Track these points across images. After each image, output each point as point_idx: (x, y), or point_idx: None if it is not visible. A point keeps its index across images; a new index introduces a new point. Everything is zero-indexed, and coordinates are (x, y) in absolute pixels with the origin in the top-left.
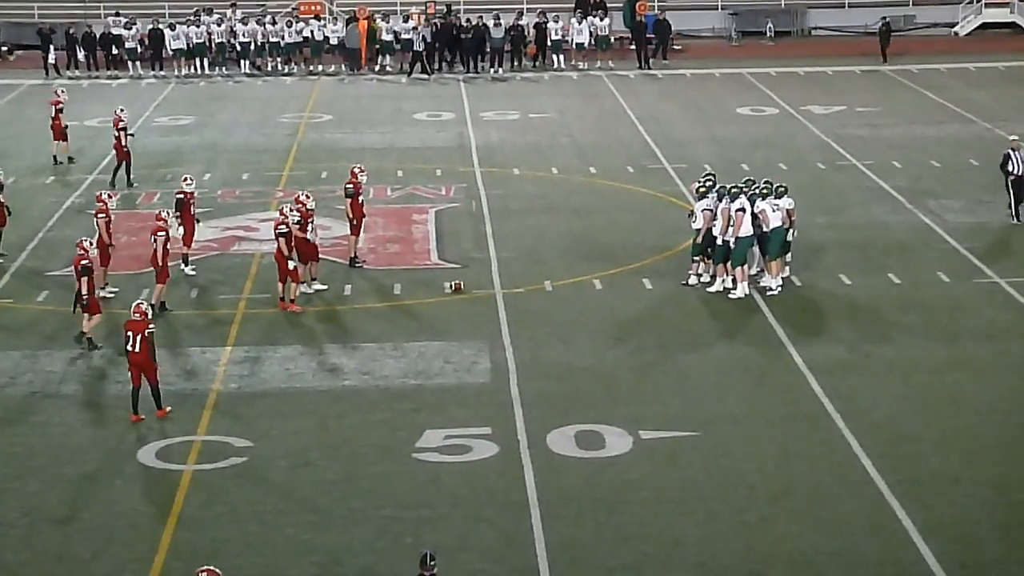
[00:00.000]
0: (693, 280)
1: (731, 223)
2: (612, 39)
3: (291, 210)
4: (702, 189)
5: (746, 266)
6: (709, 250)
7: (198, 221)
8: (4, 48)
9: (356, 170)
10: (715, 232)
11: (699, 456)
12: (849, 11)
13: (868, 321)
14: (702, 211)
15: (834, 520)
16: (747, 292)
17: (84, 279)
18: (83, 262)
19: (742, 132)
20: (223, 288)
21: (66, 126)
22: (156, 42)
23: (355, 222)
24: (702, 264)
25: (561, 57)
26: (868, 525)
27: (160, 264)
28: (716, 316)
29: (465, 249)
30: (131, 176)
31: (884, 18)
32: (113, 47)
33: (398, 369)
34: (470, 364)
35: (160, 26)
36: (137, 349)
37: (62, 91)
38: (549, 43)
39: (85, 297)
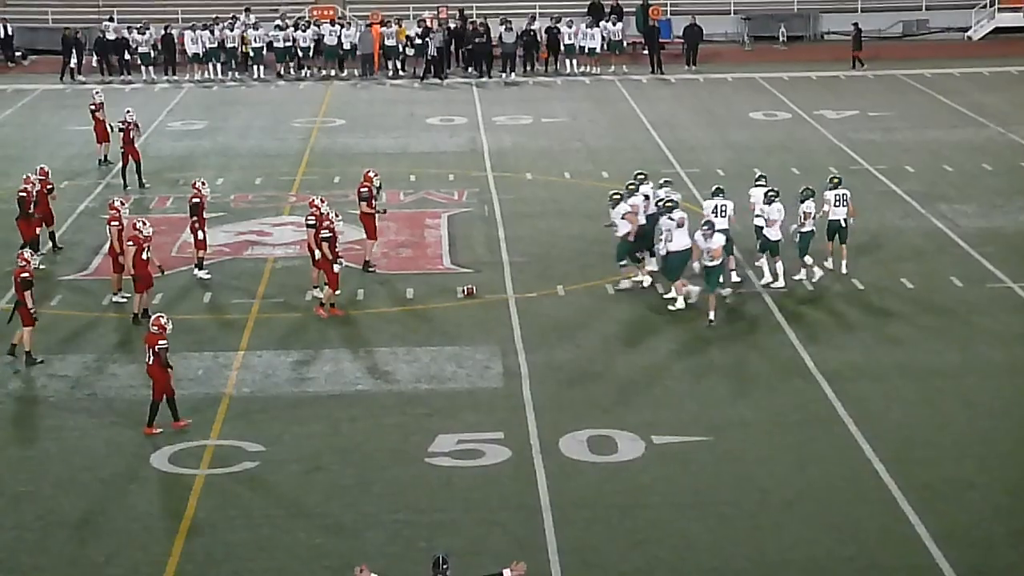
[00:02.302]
0: (625, 284)
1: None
2: (625, 43)
3: (308, 215)
4: (616, 196)
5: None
6: (638, 255)
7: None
8: (19, 53)
9: (371, 175)
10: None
11: (711, 461)
12: (862, 16)
13: (881, 325)
14: (621, 218)
15: (847, 525)
16: (686, 304)
17: (26, 292)
18: (23, 275)
19: (755, 137)
20: (236, 293)
21: (111, 127)
22: (169, 47)
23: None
24: (636, 267)
25: (575, 61)
26: (881, 530)
27: (127, 263)
28: (728, 321)
29: (478, 254)
30: (132, 177)
31: (855, 24)
32: (125, 52)
33: (410, 373)
34: (483, 369)
35: (173, 31)
36: (150, 362)
37: (97, 92)
38: (563, 48)
39: (32, 310)
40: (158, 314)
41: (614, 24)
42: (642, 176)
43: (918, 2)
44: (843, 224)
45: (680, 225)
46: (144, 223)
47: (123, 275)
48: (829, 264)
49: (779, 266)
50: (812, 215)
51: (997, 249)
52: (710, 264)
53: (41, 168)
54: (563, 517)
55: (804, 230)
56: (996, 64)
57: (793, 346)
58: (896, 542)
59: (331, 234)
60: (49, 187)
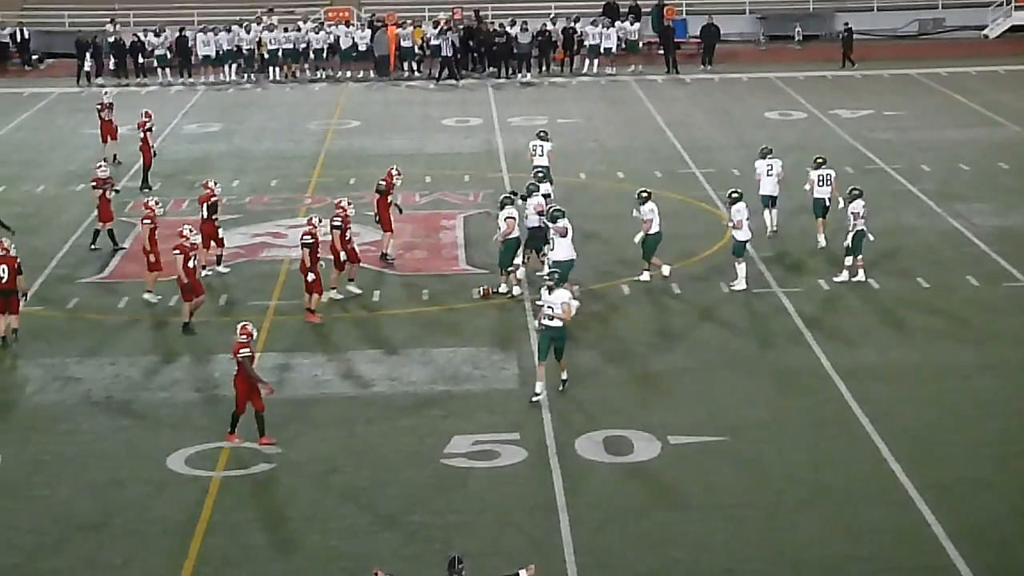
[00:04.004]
0: (517, 291)
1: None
2: (641, 43)
3: (333, 216)
4: (507, 199)
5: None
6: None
7: (215, 221)
8: (35, 56)
9: (394, 171)
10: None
11: (727, 461)
12: (878, 14)
13: (897, 325)
14: (505, 219)
15: (863, 525)
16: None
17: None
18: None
19: (770, 136)
20: (251, 295)
21: (116, 127)
22: (183, 49)
23: (379, 220)
24: (514, 276)
25: (596, 61)
26: (898, 530)
27: (154, 258)
28: (744, 321)
29: (493, 255)
30: (151, 178)
31: (847, 23)
32: (140, 55)
33: (426, 375)
34: (498, 370)
35: (188, 33)
36: (235, 371)
37: (106, 92)
38: (586, 47)
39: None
40: (244, 322)
41: (632, 24)
42: (541, 174)
43: (934, 1)
44: (827, 203)
45: (563, 235)
46: (192, 230)
47: (157, 274)
48: (822, 243)
49: (742, 268)
50: (861, 215)
51: (1013, 248)
52: (549, 324)
53: (99, 166)
54: (579, 518)
55: (857, 229)
56: (1012, 62)
57: (809, 346)
58: (912, 542)
59: (312, 240)
60: (94, 183)
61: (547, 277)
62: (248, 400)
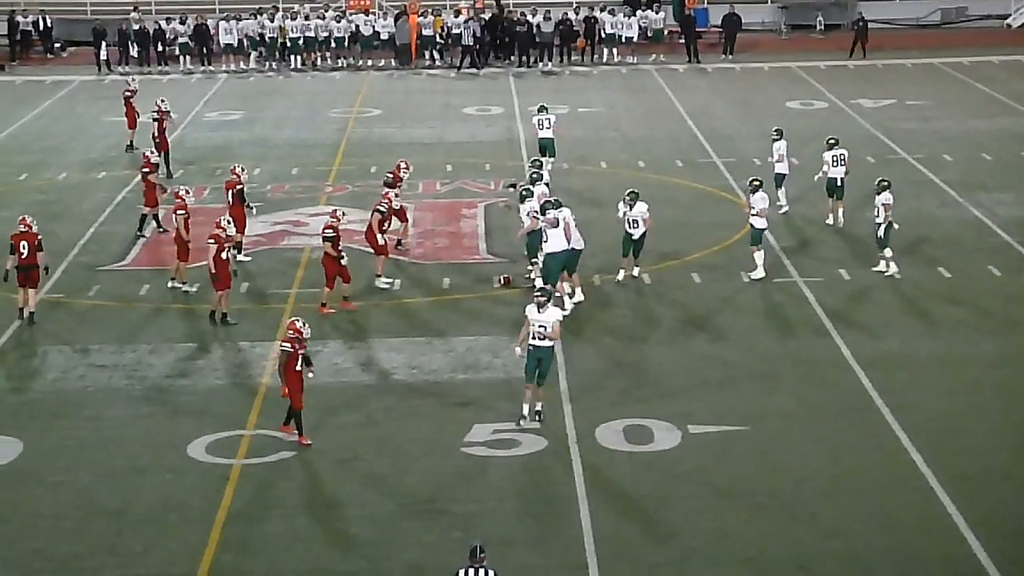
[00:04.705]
0: (539, 283)
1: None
2: (665, 32)
3: (379, 203)
4: (524, 192)
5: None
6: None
7: (251, 209)
8: (57, 44)
9: (403, 165)
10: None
11: (747, 451)
12: (900, 3)
13: (918, 315)
14: (527, 215)
15: (883, 515)
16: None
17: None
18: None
19: (791, 126)
20: (273, 282)
21: (138, 114)
22: (202, 37)
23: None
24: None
25: (615, 51)
26: (918, 520)
27: (184, 244)
28: (765, 310)
29: (514, 243)
30: (169, 167)
31: (860, 14)
32: (159, 43)
33: (446, 363)
34: (519, 359)
35: (208, 21)
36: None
37: (132, 79)
38: (604, 36)
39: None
40: (294, 318)
41: (656, 12)
42: (540, 162)
43: None
44: (840, 183)
45: (554, 226)
46: (229, 222)
47: (187, 264)
48: (830, 220)
49: (759, 256)
50: (890, 206)
51: None
52: (539, 344)
53: (144, 153)
54: (598, 507)
55: (888, 221)
56: None
57: (830, 335)
58: (932, 532)
59: (335, 234)
60: (146, 170)
61: (538, 294)
62: (295, 394)
